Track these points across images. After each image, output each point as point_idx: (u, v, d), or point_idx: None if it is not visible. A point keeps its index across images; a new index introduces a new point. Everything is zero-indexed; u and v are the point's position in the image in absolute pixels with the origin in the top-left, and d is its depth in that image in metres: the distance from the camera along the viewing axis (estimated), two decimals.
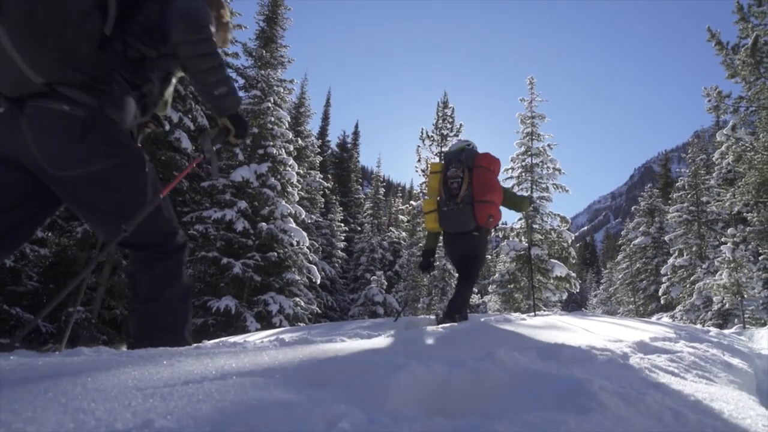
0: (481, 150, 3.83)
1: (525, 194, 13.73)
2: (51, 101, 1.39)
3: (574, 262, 14.93)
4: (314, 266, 13.61)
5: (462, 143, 3.90)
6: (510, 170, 14.78)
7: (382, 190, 29.32)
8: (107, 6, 1.44)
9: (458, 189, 3.57)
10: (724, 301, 12.14)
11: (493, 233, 3.83)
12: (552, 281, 13.46)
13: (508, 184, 14.31)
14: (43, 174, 1.48)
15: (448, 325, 2.49)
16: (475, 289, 17.88)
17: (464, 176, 3.58)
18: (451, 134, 18.48)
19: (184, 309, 1.66)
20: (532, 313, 4.83)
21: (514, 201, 3.87)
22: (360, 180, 31.46)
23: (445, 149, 18.04)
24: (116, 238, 1.50)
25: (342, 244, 24.02)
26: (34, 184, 1.51)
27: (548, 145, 14.70)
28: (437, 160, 17.09)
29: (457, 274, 3.80)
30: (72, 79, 1.39)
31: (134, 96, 1.56)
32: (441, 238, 3.90)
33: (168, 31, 1.54)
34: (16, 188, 1.50)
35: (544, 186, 14.47)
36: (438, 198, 3.70)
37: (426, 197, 3.82)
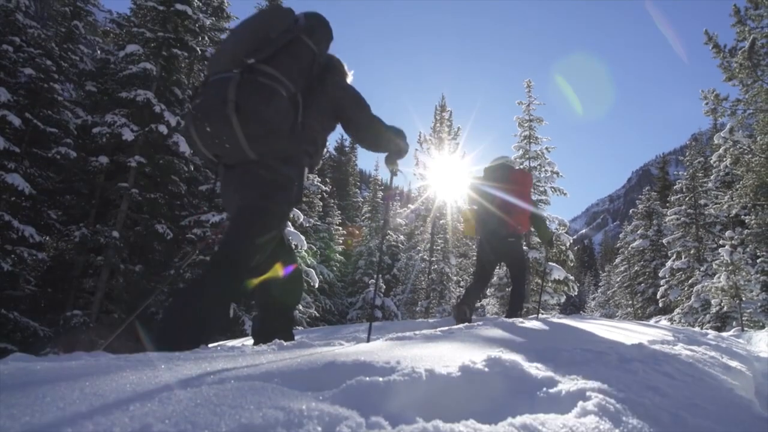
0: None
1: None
2: (256, 166, 1.88)
3: (572, 265, 14.91)
4: (312, 270, 13.61)
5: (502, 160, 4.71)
6: None
7: (380, 194, 29.33)
8: (297, 102, 1.93)
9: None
10: (722, 304, 12.12)
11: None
12: (550, 284, 13.46)
13: None
14: None
15: (447, 327, 2.50)
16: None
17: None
18: (449, 138, 18.50)
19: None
20: (535, 316, 4.87)
21: (540, 225, 4.79)
22: (358, 183, 31.49)
23: (443, 152, 18.06)
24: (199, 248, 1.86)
25: (340, 248, 24.01)
26: None
27: (546, 148, 14.70)
28: (435, 164, 17.14)
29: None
30: (274, 155, 1.89)
31: (307, 160, 2.06)
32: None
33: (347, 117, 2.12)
34: None
35: (542, 189, 14.47)
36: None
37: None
